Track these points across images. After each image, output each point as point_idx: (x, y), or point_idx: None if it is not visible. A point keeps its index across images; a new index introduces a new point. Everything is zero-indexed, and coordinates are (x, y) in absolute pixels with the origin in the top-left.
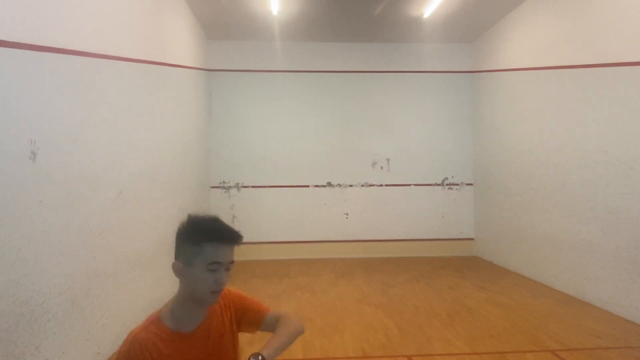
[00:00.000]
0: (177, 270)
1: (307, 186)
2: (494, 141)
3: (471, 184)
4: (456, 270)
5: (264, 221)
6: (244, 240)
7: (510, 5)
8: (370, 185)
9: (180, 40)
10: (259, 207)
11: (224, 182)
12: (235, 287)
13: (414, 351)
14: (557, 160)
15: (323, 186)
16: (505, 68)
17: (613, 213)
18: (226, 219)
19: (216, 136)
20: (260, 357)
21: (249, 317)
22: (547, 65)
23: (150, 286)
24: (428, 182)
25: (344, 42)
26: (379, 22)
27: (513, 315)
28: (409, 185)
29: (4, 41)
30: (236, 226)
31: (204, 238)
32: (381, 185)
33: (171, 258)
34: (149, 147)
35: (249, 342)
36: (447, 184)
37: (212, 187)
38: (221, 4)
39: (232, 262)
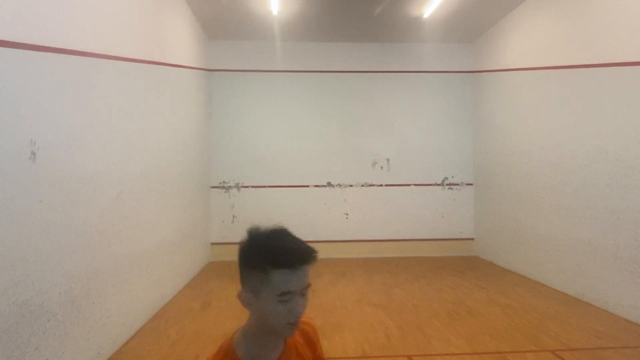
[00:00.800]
0: (245, 301)
1: (307, 186)
2: (494, 141)
3: (471, 184)
4: (456, 270)
5: (264, 221)
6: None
7: (510, 5)
8: (370, 185)
9: (180, 40)
10: (259, 207)
11: (224, 182)
12: (235, 286)
13: (414, 351)
14: (557, 160)
15: (323, 186)
16: (505, 68)
17: (613, 213)
18: (226, 219)
19: (216, 136)
20: None
21: None
22: (547, 65)
23: (150, 286)
24: (428, 182)
25: (344, 42)
26: (379, 22)
27: (513, 315)
28: (409, 185)
29: (4, 41)
30: (236, 226)
31: (271, 264)
32: (381, 185)
33: (171, 258)
34: (149, 147)
35: None
36: (447, 184)
37: (212, 187)
38: (221, 4)
39: (308, 285)
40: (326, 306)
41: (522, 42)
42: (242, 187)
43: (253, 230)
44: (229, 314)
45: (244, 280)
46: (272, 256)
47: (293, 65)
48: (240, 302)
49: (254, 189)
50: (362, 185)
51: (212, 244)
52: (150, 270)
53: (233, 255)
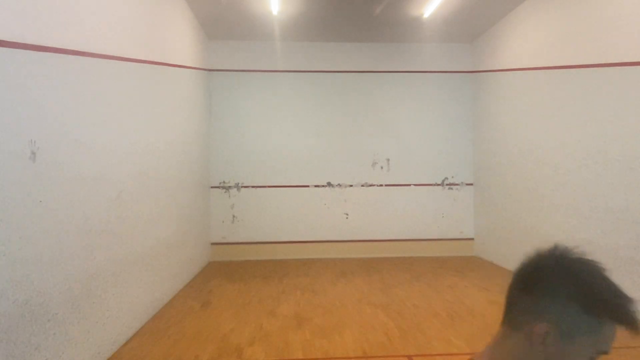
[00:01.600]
0: (540, 336)
1: (307, 186)
2: (494, 141)
3: (471, 184)
4: (456, 270)
5: (264, 221)
6: (244, 240)
7: (510, 5)
8: (370, 185)
9: (180, 40)
10: (259, 207)
11: (224, 182)
12: (235, 286)
13: (414, 351)
14: (557, 160)
15: (323, 186)
16: (505, 68)
17: (613, 213)
18: (226, 219)
19: (216, 136)
20: None
21: None
22: (547, 65)
23: (150, 286)
24: (428, 182)
25: (344, 42)
26: (379, 22)
27: None
28: (409, 185)
29: (4, 41)
30: (236, 226)
31: (616, 317)
32: (381, 185)
33: (171, 258)
34: (149, 147)
35: (249, 342)
36: (447, 184)
37: (212, 187)
38: (221, 4)
39: None
40: (326, 306)
41: (522, 42)
42: (242, 187)
43: (578, 259)
44: (229, 314)
45: (555, 316)
46: (621, 308)
47: (293, 65)
48: (528, 334)
49: (254, 189)
50: (362, 185)
51: (212, 244)
52: (150, 270)
53: (233, 255)
